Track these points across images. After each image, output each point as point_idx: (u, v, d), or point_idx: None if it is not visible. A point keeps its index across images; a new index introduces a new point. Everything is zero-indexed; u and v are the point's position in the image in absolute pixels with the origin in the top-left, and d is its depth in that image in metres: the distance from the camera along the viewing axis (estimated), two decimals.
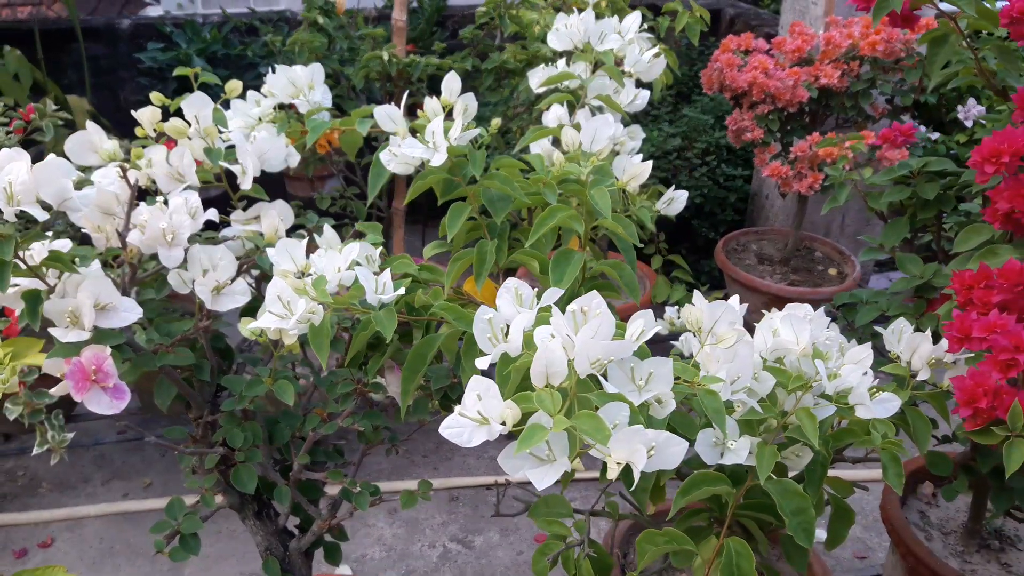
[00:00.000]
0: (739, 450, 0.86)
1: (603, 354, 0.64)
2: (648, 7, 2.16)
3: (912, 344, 1.01)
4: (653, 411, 0.78)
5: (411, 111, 2.54)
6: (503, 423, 0.65)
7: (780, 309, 1.63)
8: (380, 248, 1.05)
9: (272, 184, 2.30)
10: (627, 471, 0.67)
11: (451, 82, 1.02)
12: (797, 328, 0.89)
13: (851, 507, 1.03)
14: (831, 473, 0.95)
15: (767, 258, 2.42)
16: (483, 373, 0.71)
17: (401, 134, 1.01)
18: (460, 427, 0.65)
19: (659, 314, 1.25)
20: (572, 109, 1.28)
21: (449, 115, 1.06)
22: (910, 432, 1.03)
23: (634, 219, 1.24)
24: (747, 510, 0.99)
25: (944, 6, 1.11)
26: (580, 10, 2.00)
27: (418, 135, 1.01)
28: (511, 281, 0.75)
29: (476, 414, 0.64)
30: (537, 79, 1.33)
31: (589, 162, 0.97)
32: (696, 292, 0.86)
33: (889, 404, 0.86)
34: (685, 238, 2.86)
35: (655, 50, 1.29)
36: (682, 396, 0.81)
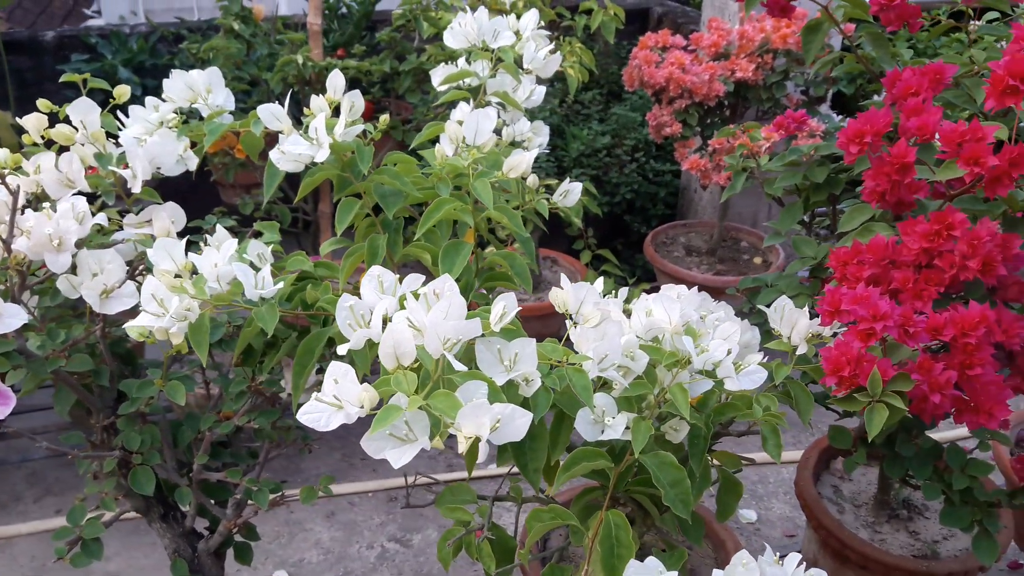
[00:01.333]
0: (616, 426, 0.89)
1: (453, 334, 0.67)
2: (569, 8, 2.20)
3: (791, 320, 1.05)
4: (522, 389, 0.80)
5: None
6: (361, 407, 0.67)
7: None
8: (272, 246, 1.06)
9: (206, 192, 2.29)
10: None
11: (335, 79, 1.03)
12: (668, 308, 0.92)
13: (739, 480, 1.07)
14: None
15: (695, 249, 2.47)
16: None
17: (286, 131, 1.03)
18: (318, 412, 0.67)
19: None
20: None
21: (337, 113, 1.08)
22: (793, 405, 1.07)
23: (534, 211, 1.27)
24: (640, 485, 1.02)
25: None
26: (500, 11, 2.04)
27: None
28: (374, 269, 0.77)
29: (333, 399, 0.66)
30: (438, 77, 1.35)
31: (470, 154, 0.99)
32: (564, 278, 0.89)
33: (755, 376, 0.90)
34: (619, 233, 2.91)
35: (551, 46, 1.32)
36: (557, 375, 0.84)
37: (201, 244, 0.99)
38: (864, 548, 1.42)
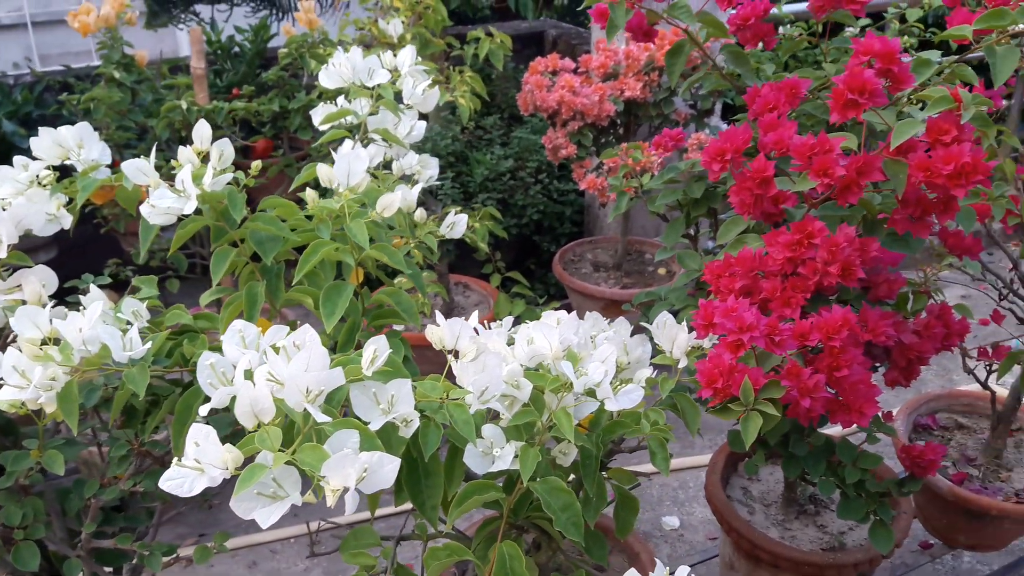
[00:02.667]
0: (505, 456, 0.90)
1: (315, 385, 0.66)
2: (456, 36, 2.22)
3: (671, 335, 1.08)
4: (401, 431, 0.81)
5: (245, 152, 2.52)
6: (226, 468, 0.66)
7: (616, 312, 1.69)
8: (147, 301, 1.04)
9: (106, 242, 2.22)
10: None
11: (201, 130, 1.02)
12: (548, 335, 0.93)
13: (635, 496, 1.09)
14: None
15: (602, 265, 2.51)
16: None
17: (153, 185, 1.01)
18: (181, 478, 0.66)
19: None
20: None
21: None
22: (681, 416, 1.09)
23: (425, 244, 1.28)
24: (538, 511, 1.03)
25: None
26: (389, 45, 2.05)
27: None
28: (236, 323, 0.77)
29: (194, 462, 0.65)
30: (318, 116, 1.34)
31: (343, 196, 0.99)
32: (438, 314, 0.89)
33: (632, 395, 0.92)
34: (531, 253, 2.94)
35: (428, 81, 1.33)
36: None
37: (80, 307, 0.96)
38: (773, 547, 1.46)
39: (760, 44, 1.19)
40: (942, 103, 0.91)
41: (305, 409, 0.67)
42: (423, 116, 1.40)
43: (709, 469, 1.64)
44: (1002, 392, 1.79)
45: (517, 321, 2.31)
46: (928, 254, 1.57)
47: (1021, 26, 0.91)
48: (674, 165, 1.36)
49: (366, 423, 0.77)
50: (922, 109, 1.01)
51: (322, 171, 1.03)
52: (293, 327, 1.14)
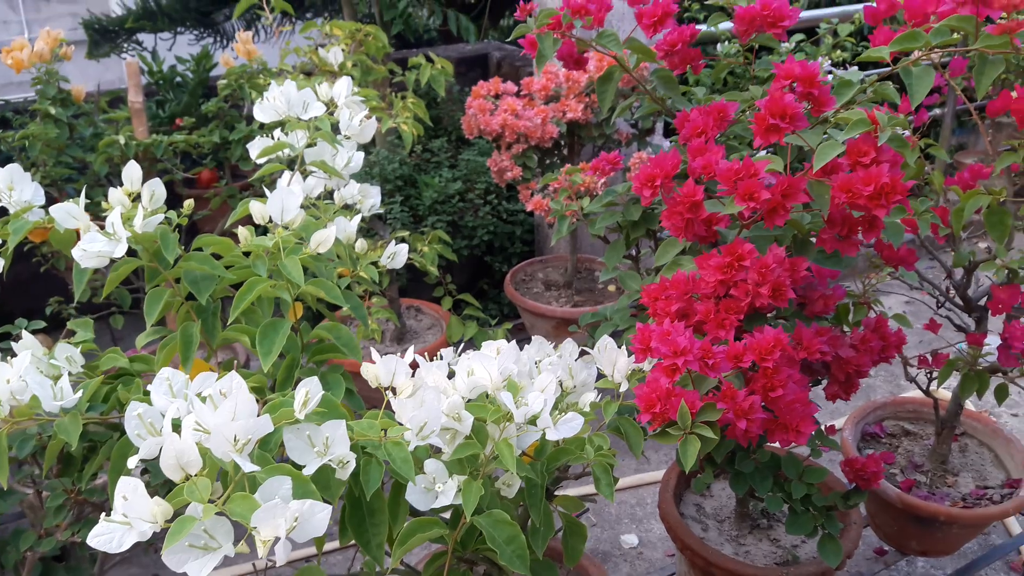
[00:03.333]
0: (448, 491, 0.89)
1: (243, 434, 0.66)
2: (397, 61, 2.22)
3: (611, 359, 1.09)
4: (338, 474, 0.80)
5: (189, 183, 2.48)
6: (155, 521, 0.65)
7: (567, 330, 1.68)
8: (82, 346, 1.02)
9: (50, 277, 2.16)
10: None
11: (131, 171, 1.01)
12: (487, 366, 0.94)
13: (582, 523, 1.09)
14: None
15: (553, 284, 2.52)
16: None
17: (83, 228, 0.99)
18: (109, 533, 0.64)
19: (469, 350, 1.28)
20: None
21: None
22: (625, 439, 1.10)
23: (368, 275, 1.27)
24: (485, 543, 1.03)
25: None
26: (331, 73, 2.04)
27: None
28: (163, 371, 0.75)
29: (123, 517, 0.64)
30: (255, 150, 1.33)
31: (276, 233, 0.98)
32: (373, 350, 0.89)
33: (572, 423, 0.92)
34: (483, 273, 2.94)
35: (364, 112, 1.33)
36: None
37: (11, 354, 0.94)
38: (727, 563, 1.47)
39: (688, 68, 1.21)
40: (860, 126, 0.93)
41: (233, 458, 0.66)
42: (363, 146, 1.40)
43: (662, 487, 1.65)
44: (945, 396, 1.83)
45: (470, 343, 2.31)
46: (869, 263, 1.61)
47: (936, 57, 0.95)
48: (612, 189, 1.38)
49: (301, 466, 0.76)
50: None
51: (255, 208, 1.02)
52: (229, 366, 1.12)
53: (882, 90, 1.15)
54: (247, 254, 1.07)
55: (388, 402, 0.94)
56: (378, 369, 0.84)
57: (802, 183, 0.95)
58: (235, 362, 1.13)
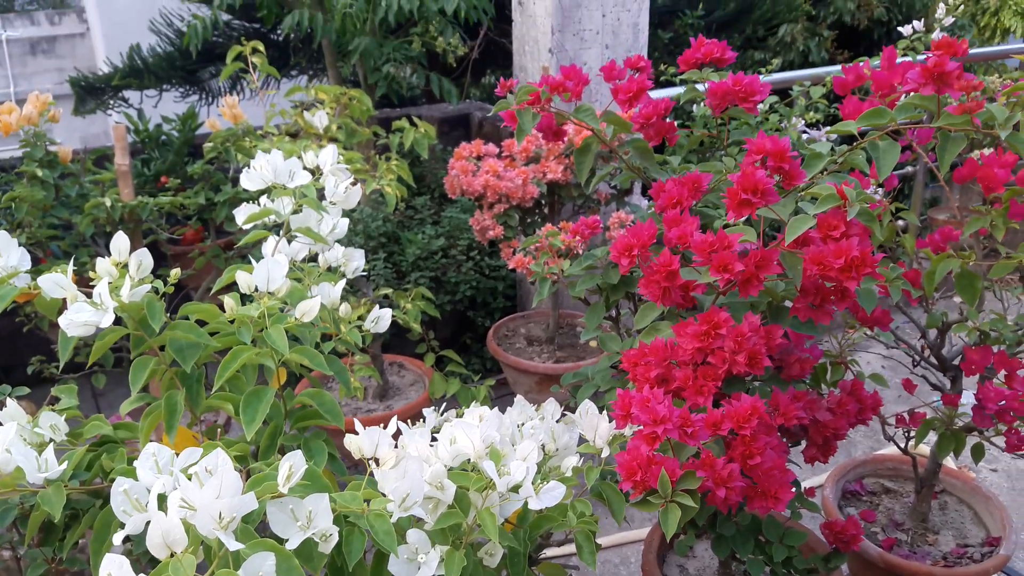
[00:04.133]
0: (430, 562, 0.90)
1: (227, 511, 0.66)
2: (382, 121, 2.27)
3: (593, 424, 1.10)
4: (320, 547, 0.80)
5: (174, 242, 2.49)
6: None
7: (550, 385, 1.69)
8: (66, 413, 1.02)
9: (40, 340, 2.16)
10: None
11: (119, 242, 1.02)
12: (469, 433, 0.95)
13: None
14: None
15: (535, 339, 2.54)
16: None
17: (70, 298, 1.00)
18: None
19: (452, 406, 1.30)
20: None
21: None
22: (607, 505, 1.11)
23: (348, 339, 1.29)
24: None
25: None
26: (316, 135, 2.08)
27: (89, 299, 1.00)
28: (150, 446, 0.76)
29: None
30: (241, 216, 1.35)
31: (262, 302, 1.00)
32: (357, 423, 0.90)
33: (554, 492, 0.93)
34: (466, 328, 2.96)
35: (349, 180, 1.36)
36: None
37: None
38: None
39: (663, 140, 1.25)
40: (830, 200, 0.97)
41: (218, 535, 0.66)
42: (346, 213, 1.42)
43: (645, 548, 1.65)
44: (925, 452, 1.85)
45: (453, 400, 2.31)
46: (845, 321, 1.64)
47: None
48: (592, 253, 1.41)
49: (284, 540, 0.77)
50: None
51: (241, 278, 1.03)
52: (213, 433, 1.13)
53: (852, 160, 1.19)
54: (232, 320, 1.08)
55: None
56: (361, 440, 0.85)
57: (775, 254, 0.98)
58: (218, 429, 1.13)
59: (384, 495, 0.86)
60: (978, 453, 1.59)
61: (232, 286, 1.11)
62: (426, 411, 1.40)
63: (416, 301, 2.20)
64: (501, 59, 3.65)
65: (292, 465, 0.76)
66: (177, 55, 3.64)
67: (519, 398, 1.32)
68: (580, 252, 1.89)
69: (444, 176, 3.03)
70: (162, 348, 1.09)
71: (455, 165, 2.20)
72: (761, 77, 2.72)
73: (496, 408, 1.22)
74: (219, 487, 0.66)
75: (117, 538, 0.70)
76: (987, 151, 1.44)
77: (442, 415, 1.45)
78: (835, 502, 1.80)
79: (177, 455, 0.79)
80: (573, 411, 1.35)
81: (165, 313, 1.05)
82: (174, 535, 0.64)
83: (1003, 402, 1.43)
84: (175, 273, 1.07)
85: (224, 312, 1.03)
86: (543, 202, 2.28)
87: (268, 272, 1.03)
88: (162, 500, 0.71)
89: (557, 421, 1.27)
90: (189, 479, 0.68)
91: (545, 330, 2.55)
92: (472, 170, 2.17)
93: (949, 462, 2.36)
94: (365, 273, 1.82)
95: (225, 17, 3.73)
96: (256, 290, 1.04)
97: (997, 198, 1.41)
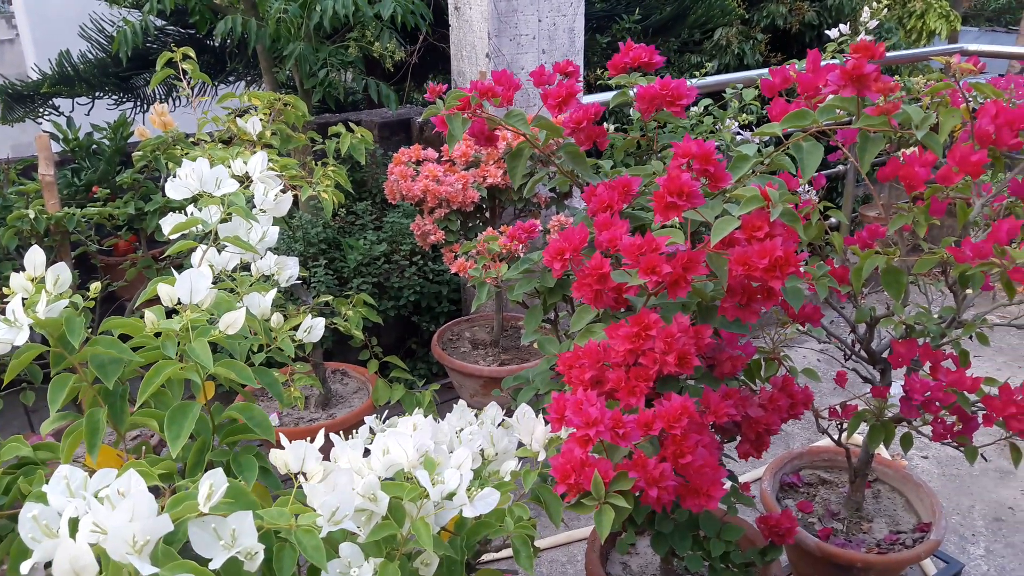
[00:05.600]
0: (364, 575, 0.89)
1: (141, 535, 0.64)
2: (320, 126, 2.24)
3: (529, 428, 1.10)
4: (246, 566, 0.78)
5: (107, 252, 2.42)
6: None
7: (494, 389, 1.66)
8: None
9: None
10: None
11: (34, 256, 0.99)
12: (403, 443, 0.94)
13: None
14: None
15: (480, 343, 2.53)
16: None
17: None
18: None
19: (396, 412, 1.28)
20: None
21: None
22: (545, 508, 1.11)
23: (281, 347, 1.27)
24: None
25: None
26: (249, 141, 2.04)
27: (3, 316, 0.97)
28: (62, 469, 0.74)
29: None
30: (168, 226, 1.32)
31: (184, 316, 0.98)
32: (283, 438, 0.88)
33: (488, 499, 0.93)
34: (412, 333, 2.94)
35: (279, 187, 1.34)
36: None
37: None
38: None
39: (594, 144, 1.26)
40: (753, 202, 0.98)
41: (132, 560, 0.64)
42: (276, 221, 1.40)
43: (588, 547, 1.66)
44: (859, 441, 1.90)
45: (398, 406, 2.28)
46: (777, 318, 1.67)
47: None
48: (528, 256, 1.41)
49: (208, 560, 0.75)
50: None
51: (163, 291, 1.01)
52: (140, 451, 1.10)
53: (778, 161, 1.21)
54: (158, 334, 1.05)
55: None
56: (287, 455, 0.84)
57: (702, 256, 0.99)
58: (143, 447, 1.10)
59: (313, 509, 0.85)
60: (907, 443, 1.64)
61: (160, 299, 1.09)
62: (368, 419, 1.39)
63: (358, 308, 2.17)
64: (442, 64, 3.64)
65: (213, 483, 0.74)
66: (109, 61, 3.55)
67: (459, 404, 1.32)
68: (521, 255, 1.89)
69: (385, 180, 3.02)
70: (83, 366, 1.06)
71: (394, 170, 2.19)
72: (696, 80, 2.76)
73: (439, 413, 1.22)
74: (132, 510, 0.64)
75: (25, 567, 0.67)
76: (911, 150, 1.48)
77: (384, 422, 1.44)
78: (773, 494, 1.83)
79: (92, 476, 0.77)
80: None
81: (87, 328, 1.02)
82: (82, 561, 0.62)
83: (928, 393, 1.47)
84: (95, 287, 1.04)
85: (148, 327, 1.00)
86: (484, 206, 2.28)
87: (191, 284, 1.00)
88: (75, 525, 0.69)
89: (499, 425, 1.27)
90: (101, 502, 0.66)
91: (490, 333, 2.55)
92: (411, 175, 2.16)
93: (884, 452, 2.43)
94: (300, 281, 1.79)
95: (159, 22, 3.66)
96: (180, 303, 1.01)
97: (919, 196, 1.45)
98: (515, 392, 1.55)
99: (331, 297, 2.16)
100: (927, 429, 1.56)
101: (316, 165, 2.01)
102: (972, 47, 3.65)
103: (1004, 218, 1.44)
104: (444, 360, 2.44)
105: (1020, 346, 3.17)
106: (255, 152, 1.58)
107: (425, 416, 1.62)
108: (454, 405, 1.32)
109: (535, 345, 2.51)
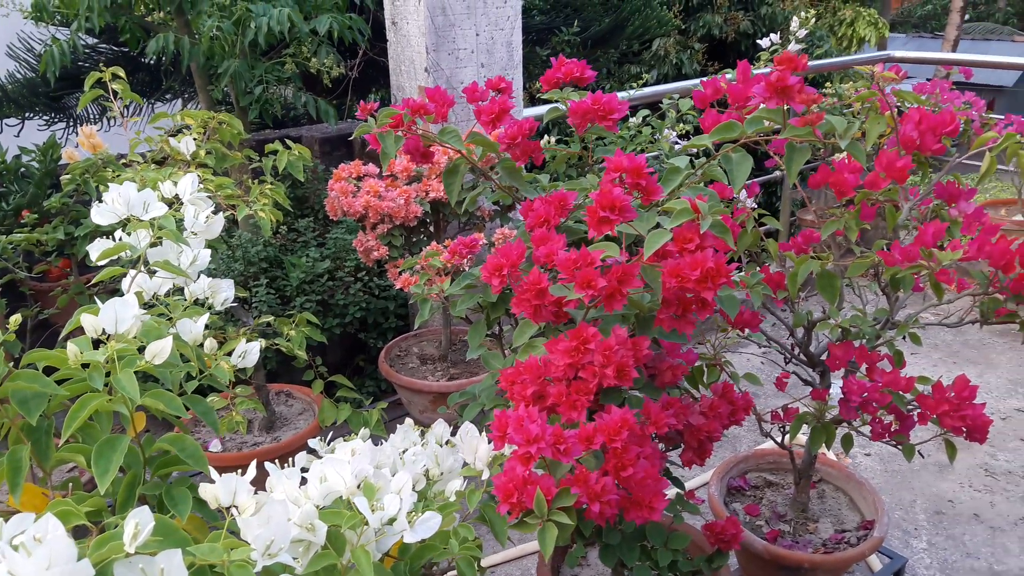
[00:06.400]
0: None
1: None
2: (258, 144, 2.20)
3: (473, 446, 1.09)
4: None
5: (39, 279, 2.34)
6: None
7: (443, 404, 1.63)
8: None
9: None
10: None
11: None
12: (340, 470, 0.92)
13: None
14: None
15: (429, 358, 2.52)
16: None
17: None
18: None
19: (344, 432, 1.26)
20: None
21: None
22: (491, 527, 1.10)
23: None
24: None
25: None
26: (183, 161, 2.00)
27: None
28: None
29: None
30: (95, 252, 1.28)
31: (109, 347, 0.94)
32: (213, 472, 0.86)
33: (430, 523, 0.91)
34: (359, 350, 2.91)
35: (210, 209, 1.31)
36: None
37: None
38: None
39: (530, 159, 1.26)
40: (684, 214, 0.99)
41: None
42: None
43: (539, 560, 1.65)
44: (803, 441, 1.93)
45: (345, 427, 2.24)
46: (717, 325, 1.69)
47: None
48: (470, 272, 1.40)
49: None
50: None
51: (87, 322, 0.98)
52: (68, 489, 1.06)
53: (710, 171, 1.23)
54: (87, 365, 1.02)
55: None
56: (217, 490, 0.81)
57: (636, 269, 1.00)
58: (70, 484, 1.06)
59: (248, 543, 0.83)
60: (848, 443, 1.67)
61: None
62: (312, 441, 1.36)
63: (300, 327, 2.14)
64: (383, 78, 3.62)
65: (139, 522, 0.72)
66: (39, 81, 3.45)
67: (404, 424, 1.30)
68: (467, 269, 1.88)
69: (327, 198, 2.98)
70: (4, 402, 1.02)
71: (334, 186, 2.16)
72: (634, 91, 2.80)
73: (389, 430, 1.20)
74: (49, 556, 0.62)
75: None
76: (840, 156, 1.51)
77: (330, 443, 1.41)
78: (721, 499, 1.85)
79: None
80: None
81: (6, 364, 0.98)
82: None
83: (866, 394, 1.50)
84: (15, 319, 1.00)
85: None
86: (428, 220, 2.26)
87: (116, 313, 0.97)
88: None
89: (446, 443, 1.26)
90: (17, 549, 0.63)
91: (438, 348, 2.53)
92: (352, 191, 2.14)
93: (828, 452, 2.47)
94: (238, 302, 1.76)
95: (92, 41, 3.57)
96: (104, 333, 0.98)
97: (850, 201, 1.49)
98: (461, 408, 1.54)
99: (273, 317, 2.12)
100: (866, 429, 1.60)
101: (254, 183, 1.98)
102: (899, 54, 3.77)
103: (930, 221, 1.48)
104: (392, 377, 2.41)
105: (953, 343, 3.27)
106: (189, 172, 1.55)
107: (373, 434, 1.60)
108: (398, 425, 1.31)
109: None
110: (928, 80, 1.76)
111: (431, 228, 2.32)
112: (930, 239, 1.35)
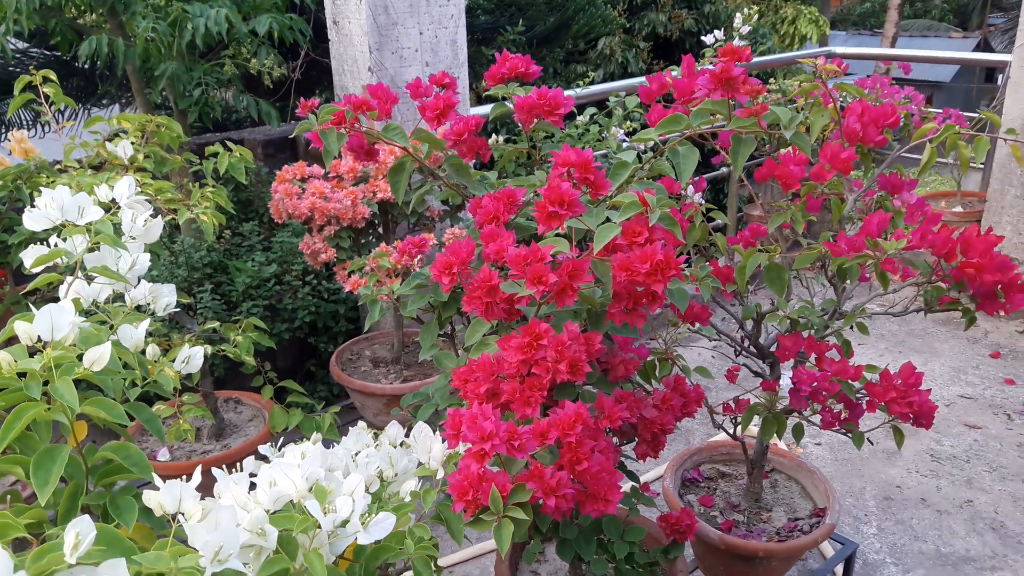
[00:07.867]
0: None
1: None
2: (199, 147, 2.15)
3: (427, 446, 1.08)
4: None
5: None
6: None
7: (397, 407, 1.61)
8: None
9: None
10: None
11: None
12: (290, 474, 0.90)
13: None
14: None
15: (381, 360, 2.49)
16: None
17: None
18: None
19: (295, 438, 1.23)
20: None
21: None
22: (447, 527, 1.09)
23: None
24: None
25: None
26: (121, 166, 1.94)
27: None
28: None
29: None
30: (29, 259, 1.24)
31: (44, 355, 0.91)
32: (157, 479, 0.83)
33: (383, 524, 0.90)
34: (310, 355, 2.86)
35: (149, 212, 1.27)
36: None
37: None
38: None
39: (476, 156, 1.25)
40: (632, 208, 0.99)
41: None
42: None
43: (496, 558, 1.64)
44: (753, 434, 1.96)
45: (296, 432, 2.21)
46: (668, 320, 1.71)
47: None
48: (420, 272, 1.39)
49: None
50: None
51: (20, 329, 0.94)
52: (6, 500, 1.02)
53: (658, 166, 1.24)
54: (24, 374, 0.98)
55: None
56: (162, 497, 0.79)
57: (586, 263, 1.00)
58: (8, 496, 1.02)
59: (196, 550, 0.80)
60: (799, 433, 1.70)
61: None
62: (263, 447, 1.33)
63: (247, 333, 2.10)
64: (327, 79, 3.58)
65: (80, 531, 0.69)
66: None
67: (356, 426, 1.28)
68: (418, 269, 1.87)
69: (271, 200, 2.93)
70: None
71: (279, 188, 2.13)
72: (580, 89, 2.81)
73: (342, 435, 1.18)
74: None
75: None
76: (785, 150, 1.54)
77: (280, 449, 1.38)
78: (675, 491, 1.87)
79: None
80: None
81: None
82: None
83: (815, 383, 1.53)
84: None
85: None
86: (376, 222, 2.24)
87: (51, 320, 0.94)
88: None
89: (400, 444, 1.24)
90: None
91: (391, 350, 2.51)
92: (297, 192, 2.10)
93: (780, 442, 2.52)
94: (181, 308, 1.71)
95: (22, 45, 3.45)
96: (40, 341, 0.95)
97: (796, 194, 1.51)
98: (415, 410, 1.52)
99: (218, 323, 2.07)
100: (817, 418, 1.62)
101: (195, 187, 1.93)
102: (840, 50, 3.86)
103: (874, 212, 1.52)
104: (344, 380, 2.38)
105: (899, 332, 3.36)
106: (127, 176, 1.50)
107: (326, 439, 1.57)
108: (351, 428, 1.29)
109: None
110: (868, 76, 1.80)
111: (380, 230, 2.29)
112: (875, 229, 1.37)
